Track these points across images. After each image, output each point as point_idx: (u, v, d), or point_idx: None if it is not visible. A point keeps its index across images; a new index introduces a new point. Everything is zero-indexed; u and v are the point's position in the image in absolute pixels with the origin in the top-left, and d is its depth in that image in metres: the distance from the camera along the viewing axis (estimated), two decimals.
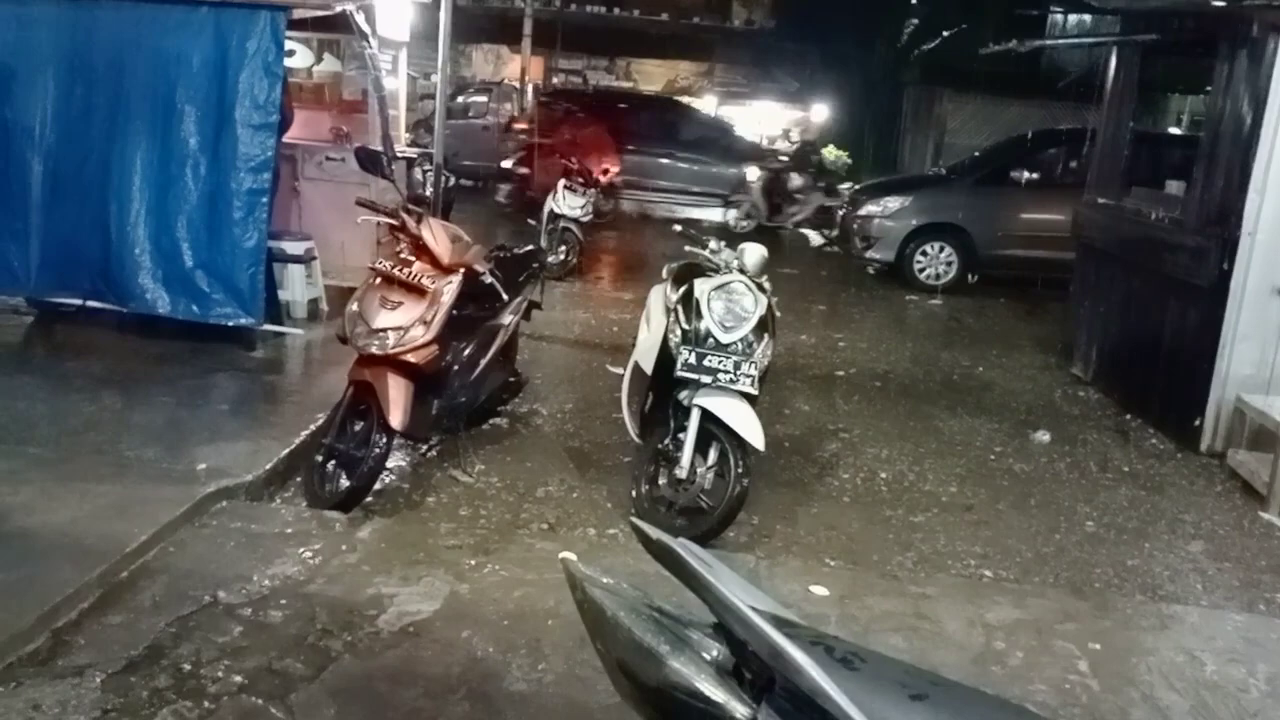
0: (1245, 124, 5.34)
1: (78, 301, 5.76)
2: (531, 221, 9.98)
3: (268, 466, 4.19)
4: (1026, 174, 10.69)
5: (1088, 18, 16.43)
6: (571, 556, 1.45)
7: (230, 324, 5.62)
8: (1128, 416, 6.23)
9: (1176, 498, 4.98)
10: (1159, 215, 6.23)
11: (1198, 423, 5.52)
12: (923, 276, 10.67)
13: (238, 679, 2.77)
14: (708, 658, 1.27)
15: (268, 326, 5.85)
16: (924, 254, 10.68)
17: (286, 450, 4.38)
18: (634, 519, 1.54)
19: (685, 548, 1.35)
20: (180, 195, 5.52)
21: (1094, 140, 7.55)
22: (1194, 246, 5.62)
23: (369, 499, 4.11)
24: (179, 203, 5.53)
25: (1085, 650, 3.29)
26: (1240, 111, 5.40)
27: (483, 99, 19.65)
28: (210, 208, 5.52)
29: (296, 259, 6.44)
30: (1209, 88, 5.99)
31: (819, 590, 3.58)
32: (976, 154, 12.66)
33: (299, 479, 4.21)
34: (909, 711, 1.18)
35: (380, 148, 6.83)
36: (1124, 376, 6.59)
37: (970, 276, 10.60)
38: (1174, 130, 13.58)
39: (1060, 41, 15.77)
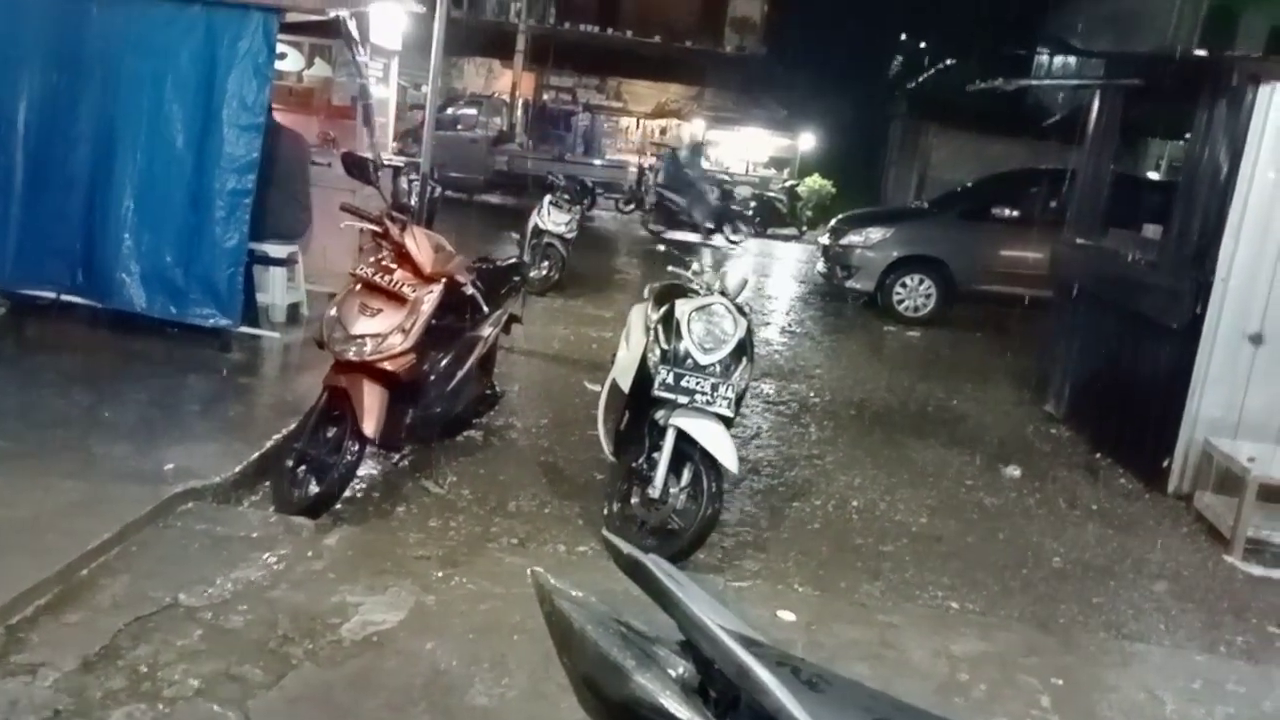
0: (1222, 170, 5.44)
1: (52, 295, 5.69)
2: (515, 235, 9.98)
3: (237, 469, 4.15)
4: (1007, 211, 10.83)
5: (1073, 60, 16.71)
6: (541, 570, 1.44)
7: (207, 324, 5.57)
8: (1098, 455, 6.28)
9: (1143, 537, 5.02)
10: (1135, 257, 6.32)
11: (1166, 464, 5.57)
12: (901, 308, 10.76)
13: (195, 683, 2.72)
14: (674, 674, 1.26)
15: (245, 329, 5.81)
16: (903, 285, 10.78)
17: (257, 454, 4.34)
18: (605, 533, 1.53)
19: (656, 564, 1.35)
20: (163, 192, 5.49)
21: (1074, 180, 7.66)
22: (1168, 289, 5.70)
23: (338, 506, 4.07)
24: (161, 200, 5.49)
25: (1048, 685, 3.31)
26: (1218, 158, 5.50)
27: (472, 111, 19.70)
28: (192, 206, 5.49)
29: (279, 262, 6.40)
30: (1189, 134, 6.10)
31: (786, 616, 3.57)
32: (959, 189, 12.82)
33: (268, 483, 4.16)
34: None
35: (367, 154, 6.82)
36: (1095, 415, 6.65)
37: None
38: (1153, 175, 13.80)
39: (1045, 82, 16.01)
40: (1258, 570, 4.70)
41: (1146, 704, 3.28)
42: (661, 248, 4.68)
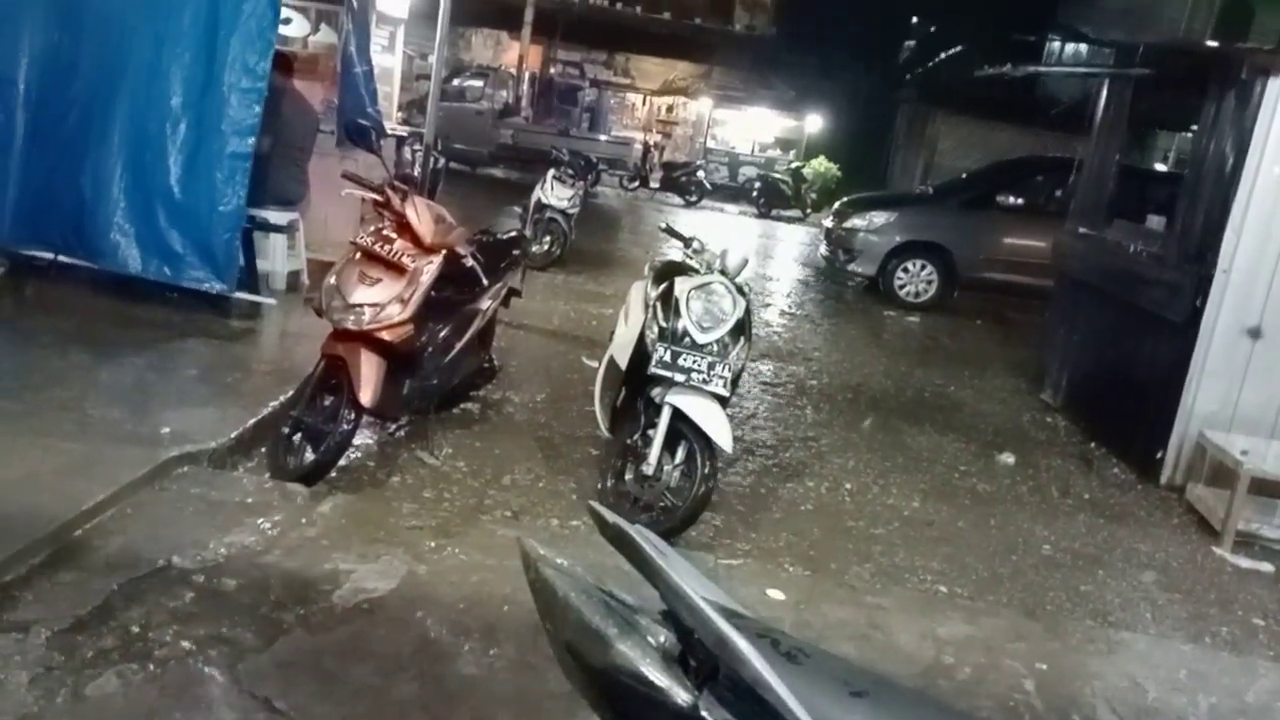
0: (1228, 163, 5.42)
1: (50, 255, 5.68)
2: (518, 209, 9.96)
3: (233, 435, 4.16)
4: (1011, 199, 10.81)
5: (1084, 48, 16.63)
6: (528, 539, 1.45)
7: (202, 289, 5.55)
8: (1092, 445, 6.30)
9: (1134, 528, 5.04)
10: (1138, 248, 6.31)
11: (1160, 455, 5.59)
12: (903, 293, 10.75)
13: (186, 644, 2.74)
14: (654, 643, 1.27)
15: (245, 295, 5.80)
16: (905, 271, 10.77)
17: (254, 420, 4.35)
18: (591, 502, 1.54)
19: (640, 534, 1.35)
20: (160, 154, 5.44)
21: (1080, 170, 7.63)
22: (1170, 281, 5.69)
23: (333, 474, 4.09)
24: (158, 162, 5.44)
25: (1032, 670, 3.33)
26: (1224, 151, 5.48)
27: (478, 83, 19.61)
28: (190, 169, 5.45)
29: (279, 229, 6.38)
30: (1196, 126, 6.07)
31: (776, 595, 3.60)
32: (964, 175, 12.77)
33: (264, 450, 4.18)
34: (849, 708, 1.19)
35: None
36: (1092, 405, 6.67)
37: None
38: (1159, 166, 13.76)
39: (1052, 69, 15.93)
40: (1246, 563, 4.72)
41: (1129, 691, 3.30)
42: (662, 225, 4.72)
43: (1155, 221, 6.49)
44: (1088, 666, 3.44)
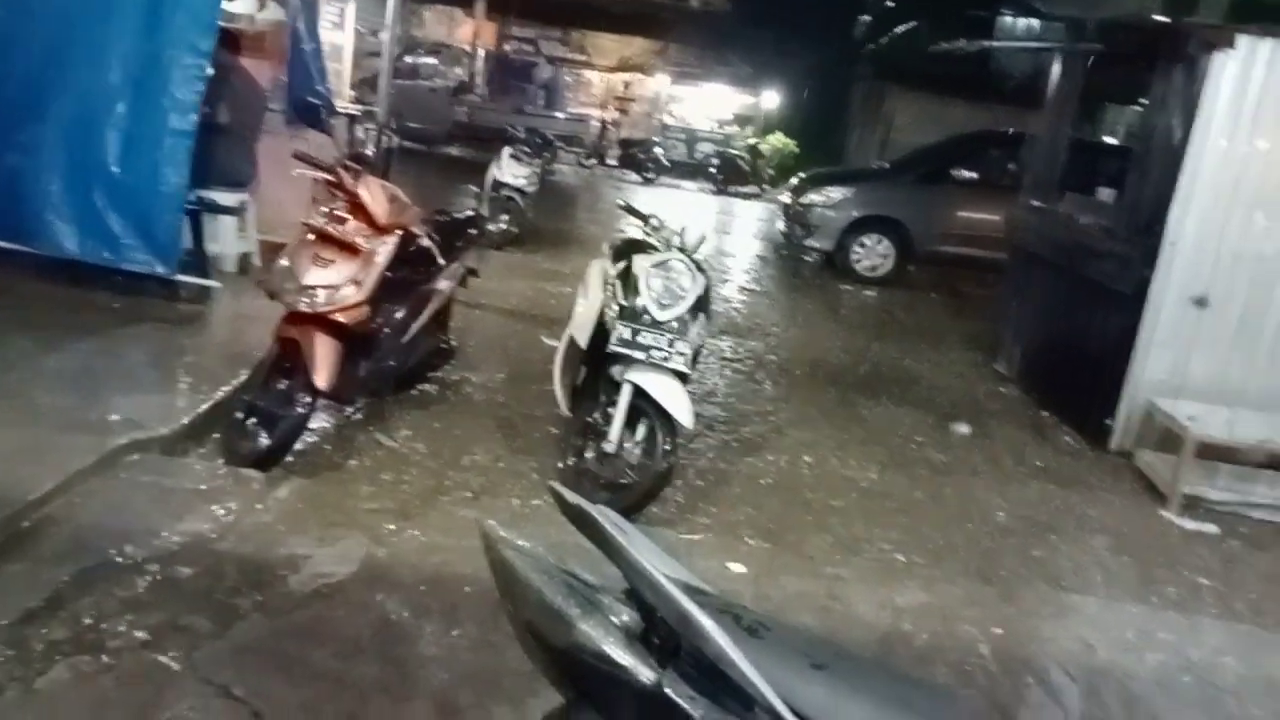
0: (1175, 137, 5.51)
1: None
2: (474, 188, 9.85)
3: (185, 421, 4.09)
4: (966, 173, 10.92)
5: (1036, 23, 16.76)
6: (489, 522, 1.45)
7: (143, 271, 5.41)
8: (1045, 414, 6.42)
9: (1085, 494, 5.15)
10: (1088, 221, 6.41)
11: (1109, 422, 5.72)
12: (859, 268, 10.83)
13: (140, 634, 2.70)
14: (617, 622, 1.28)
15: (193, 279, 5.67)
16: (862, 245, 10.84)
17: (206, 405, 4.27)
18: (552, 483, 1.53)
19: (601, 513, 1.35)
20: (98, 134, 5.27)
21: (1033, 144, 7.72)
22: (1119, 253, 5.80)
23: (289, 458, 4.03)
24: (96, 140, 5.28)
25: (988, 635, 3.40)
26: (1171, 124, 5.57)
27: (432, 61, 19.33)
28: (130, 148, 5.28)
29: (228, 210, 6.25)
30: (1145, 100, 6.17)
31: (736, 568, 3.63)
32: (919, 150, 12.85)
33: (217, 435, 4.11)
34: (809, 680, 1.21)
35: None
36: (1044, 375, 6.79)
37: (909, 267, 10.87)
38: (1110, 140, 13.97)
39: (1006, 44, 16.05)
40: (1191, 525, 4.86)
41: (1081, 653, 3.39)
42: (620, 202, 4.72)
43: (1105, 194, 6.60)
44: (1041, 630, 3.52)
